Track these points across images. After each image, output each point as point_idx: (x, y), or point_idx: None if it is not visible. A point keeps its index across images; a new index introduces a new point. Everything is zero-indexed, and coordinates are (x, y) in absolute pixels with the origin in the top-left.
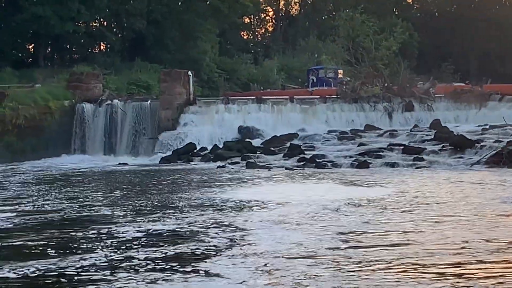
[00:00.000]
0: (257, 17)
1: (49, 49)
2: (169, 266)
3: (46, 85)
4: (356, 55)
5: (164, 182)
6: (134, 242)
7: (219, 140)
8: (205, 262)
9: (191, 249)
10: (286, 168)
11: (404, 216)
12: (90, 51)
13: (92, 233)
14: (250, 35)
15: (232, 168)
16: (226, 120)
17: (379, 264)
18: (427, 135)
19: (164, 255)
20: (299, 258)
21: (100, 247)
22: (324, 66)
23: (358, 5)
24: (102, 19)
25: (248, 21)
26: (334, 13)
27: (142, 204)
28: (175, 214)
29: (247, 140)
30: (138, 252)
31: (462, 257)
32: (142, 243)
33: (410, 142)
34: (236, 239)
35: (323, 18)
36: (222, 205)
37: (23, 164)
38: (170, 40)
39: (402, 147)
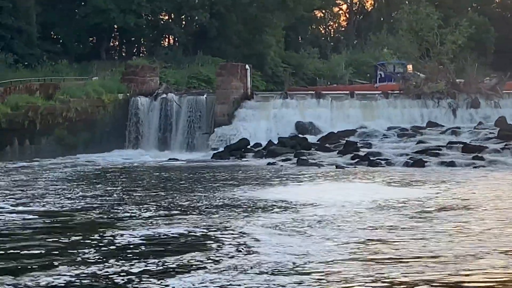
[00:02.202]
0: (328, 11)
1: (116, 42)
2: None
3: (102, 78)
4: (421, 49)
5: (203, 179)
6: (134, 251)
7: (276, 136)
8: (177, 278)
9: (183, 261)
10: (337, 166)
11: (431, 223)
12: (154, 44)
13: (94, 239)
14: (322, 29)
15: (282, 166)
16: (284, 115)
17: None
18: (491, 133)
19: (158, 267)
20: (288, 275)
21: (96, 257)
22: (387, 61)
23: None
24: (165, 12)
25: (321, 15)
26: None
27: (166, 204)
28: (194, 215)
29: (303, 136)
30: (132, 263)
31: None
32: (142, 252)
33: (472, 140)
34: (242, 249)
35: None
36: (246, 206)
37: (71, 159)
38: (234, 34)
39: (462, 145)
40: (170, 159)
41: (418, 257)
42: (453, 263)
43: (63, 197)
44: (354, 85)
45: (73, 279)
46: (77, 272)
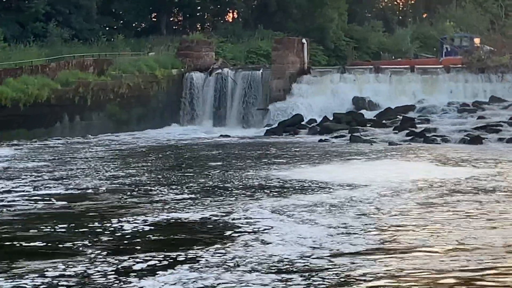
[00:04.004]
0: None
1: (179, 17)
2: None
3: (158, 53)
4: (485, 22)
5: (247, 157)
6: (137, 241)
7: (332, 111)
8: (168, 274)
9: (183, 254)
10: (390, 143)
11: (458, 208)
12: (217, 19)
13: (99, 227)
14: (389, 2)
15: (333, 142)
16: (341, 90)
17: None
18: None
19: (154, 261)
20: (287, 271)
21: (90, 251)
22: (448, 35)
23: None
24: None
25: None
26: None
27: (196, 185)
28: (219, 197)
29: (360, 112)
30: (127, 257)
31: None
32: (144, 243)
33: None
34: (250, 239)
35: None
36: (278, 187)
37: (120, 135)
38: (294, 7)
39: None
40: (221, 135)
41: (444, 249)
42: (480, 254)
43: (92, 178)
44: (418, 59)
45: (55, 281)
46: (62, 273)
